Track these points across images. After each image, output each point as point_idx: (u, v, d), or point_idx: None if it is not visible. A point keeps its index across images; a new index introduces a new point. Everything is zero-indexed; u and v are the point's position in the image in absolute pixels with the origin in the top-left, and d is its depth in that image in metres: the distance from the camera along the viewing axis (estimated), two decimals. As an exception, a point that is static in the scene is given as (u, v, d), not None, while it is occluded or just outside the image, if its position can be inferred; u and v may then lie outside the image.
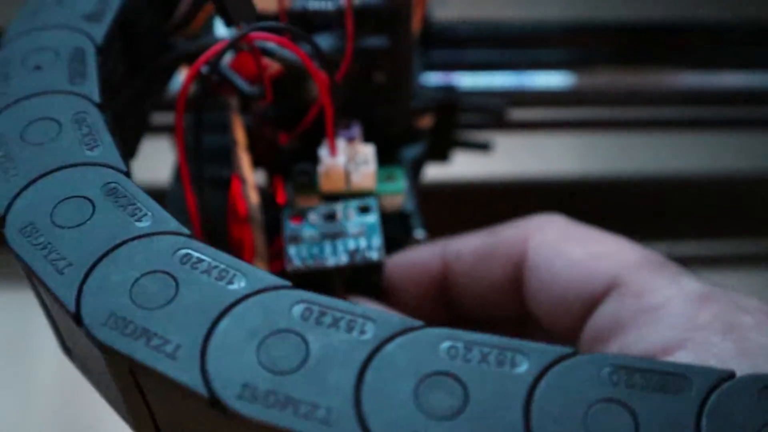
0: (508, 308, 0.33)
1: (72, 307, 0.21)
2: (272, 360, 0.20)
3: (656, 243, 0.34)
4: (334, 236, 0.32)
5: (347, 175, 0.34)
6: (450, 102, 0.43)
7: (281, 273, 0.38)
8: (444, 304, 0.35)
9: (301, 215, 0.32)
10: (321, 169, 0.33)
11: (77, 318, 0.21)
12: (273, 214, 0.37)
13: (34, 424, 0.55)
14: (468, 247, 0.33)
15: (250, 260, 0.36)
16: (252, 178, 0.35)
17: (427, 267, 0.34)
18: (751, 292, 0.28)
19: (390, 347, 0.20)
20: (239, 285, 0.21)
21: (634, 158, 0.61)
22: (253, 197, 0.35)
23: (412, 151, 0.38)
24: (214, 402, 0.20)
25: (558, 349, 0.20)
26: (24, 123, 0.26)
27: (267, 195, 0.38)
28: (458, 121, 0.44)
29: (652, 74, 0.52)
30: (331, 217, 0.32)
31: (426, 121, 0.39)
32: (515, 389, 0.20)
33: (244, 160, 0.35)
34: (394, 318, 0.21)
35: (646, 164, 0.58)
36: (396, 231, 0.37)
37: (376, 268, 0.32)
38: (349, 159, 0.34)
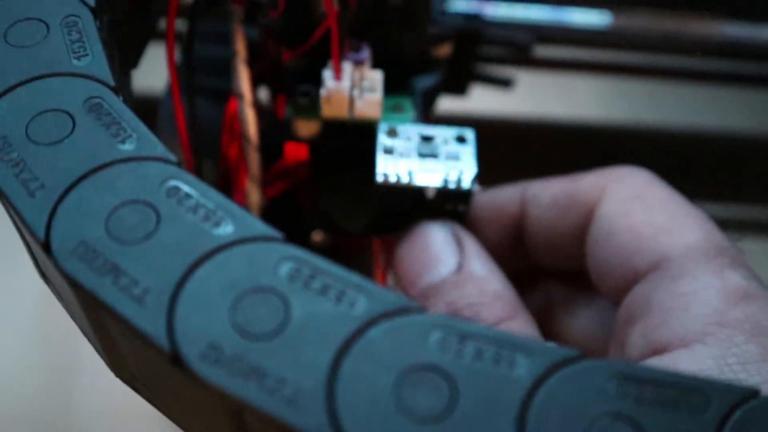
0: (581, 262, 0.33)
1: (41, 235, 0.21)
2: (247, 321, 0.19)
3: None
4: (430, 156, 0.31)
5: (351, 102, 0.33)
6: (472, 31, 0.42)
7: (282, 197, 0.38)
8: (519, 250, 0.35)
9: (395, 130, 0.32)
10: (323, 92, 0.33)
11: (46, 246, 0.21)
12: (274, 135, 0.37)
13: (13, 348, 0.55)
14: (546, 191, 0.33)
15: (242, 180, 0.36)
16: (250, 93, 0.34)
17: (506, 208, 0.34)
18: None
19: (377, 328, 0.19)
20: (226, 230, 0.21)
21: (664, 109, 0.60)
22: (250, 114, 0.34)
23: (425, 82, 0.37)
24: (175, 358, 0.19)
25: (562, 352, 0.19)
26: (9, 22, 0.25)
27: (269, 115, 0.38)
28: (480, 54, 0.43)
29: (694, 22, 0.50)
30: (428, 139, 0.32)
31: (444, 51, 0.38)
32: (511, 395, 0.19)
33: (243, 73, 0.34)
34: (390, 295, 0.20)
35: (677, 117, 0.57)
36: None
37: (464, 198, 0.31)
38: (355, 84, 0.33)
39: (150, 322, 0.19)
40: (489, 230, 0.34)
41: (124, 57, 0.30)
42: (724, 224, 0.31)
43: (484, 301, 0.29)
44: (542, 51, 0.47)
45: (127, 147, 0.22)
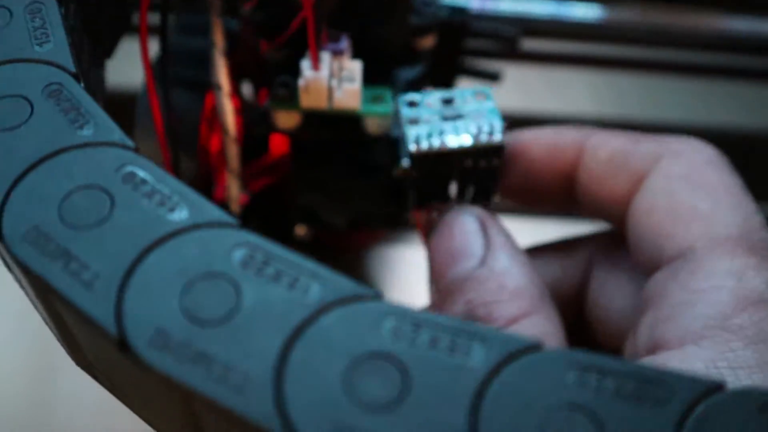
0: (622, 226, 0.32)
1: None
2: (197, 307, 0.19)
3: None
4: (455, 118, 0.31)
5: (330, 92, 0.33)
6: (457, 23, 0.41)
7: (266, 191, 0.38)
8: (569, 196, 0.34)
9: (415, 101, 0.32)
10: (301, 82, 0.32)
11: (-3, 230, 0.20)
12: (258, 130, 0.36)
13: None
14: (606, 146, 0.32)
15: (220, 172, 0.36)
16: (228, 85, 0.34)
17: (564, 152, 0.33)
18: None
19: (329, 315, 0.19)
20: (181, 215, 0.20)
21: (657, 104, 0.59)
22: (228, 105, 0.34)
23: (407, 74, 0.37)
24: (122, 344, 0.19)
25: (521, 340, 0.19)
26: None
27: (253, 110, 0.37)
28: (465, 47, 0.42)
29: (688, 14, 0.50)
30: (448, 101, 0.31)
31: (427, 42, 0.37)
32: (465, 384, 0.18)
33: (221, 64, 0.34)
34: (344, 282, 0.19)
35: (672, 112, 0.57)
36: (380, 157, 0.36)
37: (497, 151, 0.31)
38: (334, 74, 0.33)
39: (98, 307, 0.19)
40: (544, 172, 0.33)
41: (97, 46, 0.30)
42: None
43: (500, 299, 0.29)
44: (532, 44, 0.47)
45: (85, 133, 0.22)
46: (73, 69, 0.23)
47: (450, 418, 0.18)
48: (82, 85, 0.23)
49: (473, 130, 0.31)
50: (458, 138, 0.30)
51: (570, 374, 0.18)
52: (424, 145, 0.30)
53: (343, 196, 0.38)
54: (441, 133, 0.31)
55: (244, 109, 0.37)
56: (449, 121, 0.31)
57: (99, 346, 0.20)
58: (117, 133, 0.22)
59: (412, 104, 0.31)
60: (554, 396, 0.18)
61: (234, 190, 0.35)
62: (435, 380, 0.18)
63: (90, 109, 0.22)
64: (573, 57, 0.49)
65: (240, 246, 0.20)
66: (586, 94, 0.58)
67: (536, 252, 0.36)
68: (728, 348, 0.25)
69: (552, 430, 0.18)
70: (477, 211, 0.32)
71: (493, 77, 0.44)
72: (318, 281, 0.19)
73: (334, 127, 0.35)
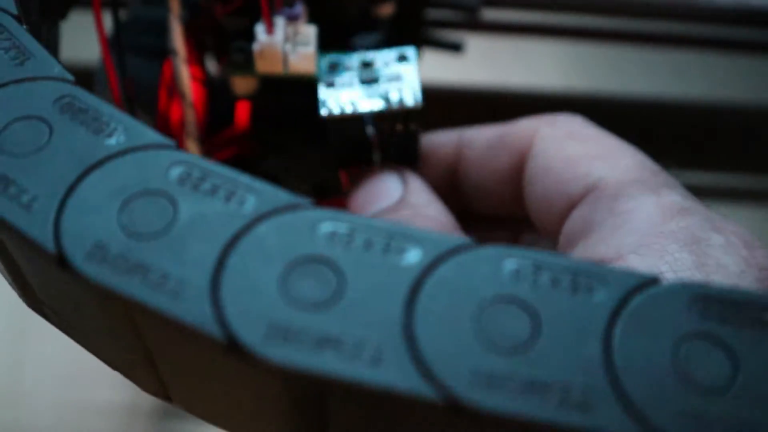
0: (511, 206, 0.34)
1: None
2: (134, 222, 0.19)
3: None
4: (371, 82, 0.31)
5: (285, 57, 0.33)
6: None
7: (232, 161, 0.38)
8: (455, 194, 0.35)
9: (336, 64, 0.32)
10: (256, 47, 0.32)
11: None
12: (222, 101, 0.36)
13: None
14: (481, 135, 0.34)
15: (179, 136, 0.35)
16: (184, 50, 0.34)
17: (442, 151, 0.35)
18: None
19: (264, 224, 0.19)
20: (118, 139, 0.21)
21: (625, 76, 0.59)
22: (184, 71, 0.34)
23: (365, 40, 0.37)
24: (61, 260, 0.19)
25: (456, 239, 0.19)
26: None
27: (216, 82, 0.37)
28: (426, 17, 0.43)
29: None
30: (368, 64, 0.32)
31: (386, 10, 0.37)
32: (399, 282, 0.18)
33: (177, 30, 0.34)
34: (280, 194, 0.20)
35: (638, 85, 0.57)
36: None
37: (411, 115, 0.31)
38: (288, 39, 0.33)
39: (36, 226, 0.19)
40: (426, 173, 0.34)
41: (48, 5, 0.30)
42: (691, 191, 0.30)
43: (414, 222, 0.29)
44: (494, 14, 0.46)
45: (25, 68, 0.22)
46: (14, 11, 0.24)
47: (386, 313, 0.18)
48: (25, 27, 0.24)
49: (386, 93, 0.31)
50: (370, 102, 0.31)
51: (505, 269, 0.19)
52: (336, 111, 0.31)
53: (304, 162, 0.38)
54: (355, 97, 0.31)
55: (208, 81, 0.37)
56: (365, 84, 0.31)
57: (41, 271, 0.21)
58: (57, 68, 0.22)
59: (332, 67, 0.32)
60: (490, 289, 0.18)
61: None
62: (370, 279, 0.18)
63: (30, 47, 0.23)
64: (537, 27, 0.49)
65: (177, 164, 0.20)
66: (552, 65, 0.58)
67: (470, 220, 0.36)
68: (666, 252, 0.25)
69: (487, 321, 0.18)
70: (397, 167, 0.33)
71: (455, 48, 0.44)
72: (254, 194, 0.20)
73: (292, 92, 0.35)
